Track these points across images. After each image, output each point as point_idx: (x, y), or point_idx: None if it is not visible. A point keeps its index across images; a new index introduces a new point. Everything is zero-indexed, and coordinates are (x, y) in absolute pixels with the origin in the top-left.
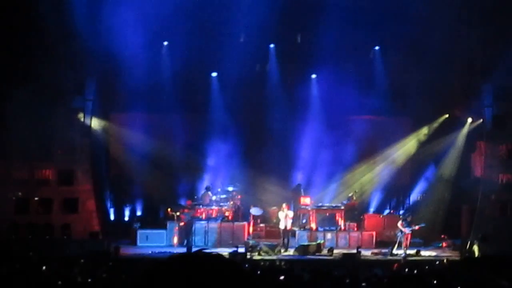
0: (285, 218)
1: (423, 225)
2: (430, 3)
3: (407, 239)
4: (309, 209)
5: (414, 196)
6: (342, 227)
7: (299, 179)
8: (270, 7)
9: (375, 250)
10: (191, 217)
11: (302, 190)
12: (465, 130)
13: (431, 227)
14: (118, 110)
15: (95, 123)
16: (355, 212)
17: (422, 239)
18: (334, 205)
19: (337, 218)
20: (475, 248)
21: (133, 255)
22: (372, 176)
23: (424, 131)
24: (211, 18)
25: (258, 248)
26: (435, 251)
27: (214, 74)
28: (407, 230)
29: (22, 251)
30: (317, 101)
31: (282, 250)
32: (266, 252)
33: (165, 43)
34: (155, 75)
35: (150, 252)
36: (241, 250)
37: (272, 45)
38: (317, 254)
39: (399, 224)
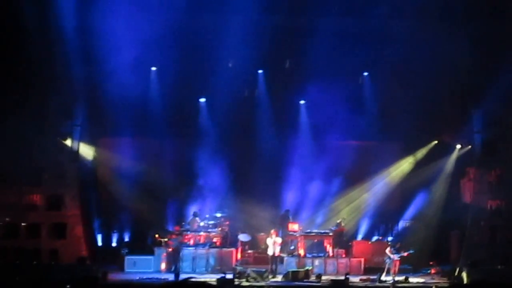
0: (273, 244)
1: (411, 251)
2: (420, 29)
3: (395, 265)
4: (298, 235)
5: (403, 222)
6: (331, 254)
7: (288, 205)
8: (259, 32)
9: (364, 277)
10: (179, 243)
11: (290, 216)
12: (454, 156)
13: (420, 254)
14: (106, 135)
15: (84, 148)
16: (344, 239)
17: (410, 266)
18: (322, 231)
19: (325, 244)
20: (464, 274)
21: (121, 281)
22: (360, 202)
23: (412, 158)
24: (200, 43)
25: (246, 275)
26: (424, 278)
27: (202, 100)
28: (395, 257)
29: (9, 275)
30: (306, 127)
31: (270, 277)
32: (254, 279)
33: (154, 68)
34: (143, 100)
35: (138, 278)
36: (229, 276)
37: (261, 71)
38: (305, 280)
39: (388, 250)
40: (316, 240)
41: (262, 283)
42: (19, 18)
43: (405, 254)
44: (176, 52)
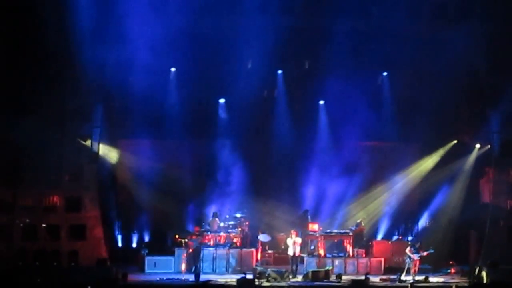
0: (293, 244)
1: (431, 251)
2: (438, 30)
3: (415, 265)
4: (317, 235)
5: (423, 222)
6: (351, 253)
7: (307, 205)
8: (278, 33)
9: (384, 277)
10: (199, 244)
11: (309, 216)
12: (473, 156)
13: (440, 253)
14: (125, 136)
15: (103, 150)
16: (364, 238)
17: (430, 265)
18: (342, 231)
19: (345, 244)
20: (484, 274)
21: (141, 281)
22: (380, 202)
23: (433, 157)
24: (219, 44)
25: (266, 275)
26: (444, 277)
27: (222, 100)
28: (415, 257)
29: (29, 277)
30: (325, 127)
31: (291, 277)
32: (275, 279)
33: (173, 69)
34: (162, 101)
35: (158, 278)
36: (249, 276)
37: (280, 71)
38: (325, 280)
39: (408, 250)
40: (336, 240)
41: (283, 283)
42: (39, 21)
43: (425, 253)
44: (196, 53)
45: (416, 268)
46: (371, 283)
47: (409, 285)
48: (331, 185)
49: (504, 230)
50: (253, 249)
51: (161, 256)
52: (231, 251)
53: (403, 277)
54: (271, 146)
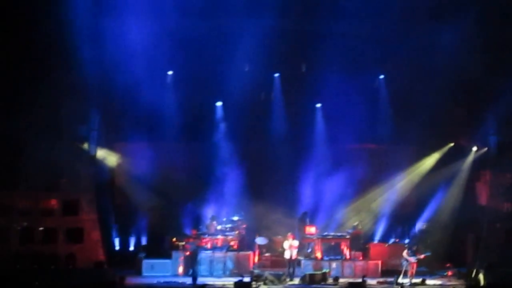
0: (290, 247)
1: (428, 253)
2: (434, 32)
3: (412, 268)
4: (314, 238)
5: (419, 224)
6: (348, 256)
7: (304, 208)
8: (274, 36)
9: (381, 279)
10: (196, 247)
11: (307, 219)
12: (470, 158)
13: (436, 256)
14: (122, 139)
15: (100, 153)
16: (361, 241)
17: (427, 268)
18: (339, 234)
19: (342, 247)
20: (481, 276)
21: (138, 284)
22: (377, 205)
23: (430, 160)
24: (216, 47)
25: (264, 278)
26: (441, 280)
27: (219, 103)
28: (412, 259)
29: (27, 281)
30: (322, 130)
31: (288, 280)
32: (272, 282)
33: (170, 72)
34: (159, 104)
35: (155, 281)
36: (247, 279)
37: (277, 74)
38: (322, 283)
39: (405, 253)
40: (333, 243)
41: (280, 286)
42: (36, 24)
43: (422, 256)
44: (193, 56)
45: (413, 271)
46: (368, 285)
47: (406, 287)
48: (328, 188)
49: (501, 232)
50: (250, 252)
51: (158, 259)
52: (228, 254)
53: (400, 280)
54: (268, 149)
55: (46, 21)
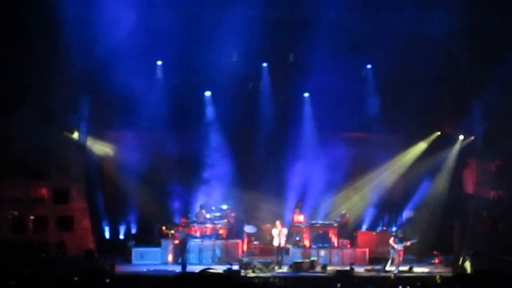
0: (278, 235)
1: (414, 240)
2: (421, 22)
3: (399, 255)
4: (303, 226)
5: (407, 212)
6: (336, 244)
7: (292, 197)
8: (262, 26)
9: (368, 267)
10: (186, 235)
11: (299, 207)
12: (457, 147)
13: (423, 244)
14: (112, 128)
15: (90, 142)
16: (348, 229)
17: (414, 256)
18: (327, 222)
19: (330, 235)
20: (467, 264)
21: (128, 273)
22: (364, 193)
23: (417, 148)
24: (205, 37)
25: (252, 266)
26: (428, 268)
27: (207, 93)
28: (399, 247)
29: (17, 269)
30: (310, 119)
31: (276, 267)
32: (260, 269)
33: (159, 62)
34: (149, 93)
35: (145, 270)
36: (235, 267)
37: (265, 64)
38: (310, 271)
39: (391, 240)
40: (321, 231)
41: (268, 274)
42: (22, 10)
43: (408, 243)
44: (182, 46)
45: (401, 259)
46: (356, 273)
47: (392, 275)
48: (316, 176)
49: (487, 220)
50: (239, 240)
51: (148, 248)
52: (217, 242)
53: (387, 268)
54: (256, 138)
55: (34, 8)
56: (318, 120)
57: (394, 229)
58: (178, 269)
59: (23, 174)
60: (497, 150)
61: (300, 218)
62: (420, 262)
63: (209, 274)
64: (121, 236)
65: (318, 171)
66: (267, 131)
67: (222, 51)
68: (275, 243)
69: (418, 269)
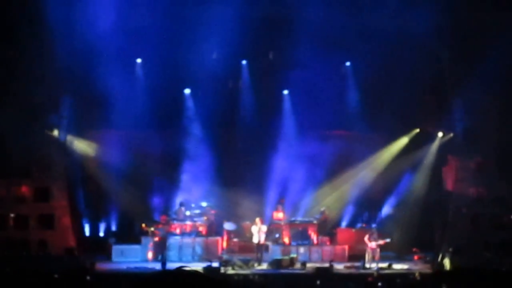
0: (258, 232)
1: (387, 240)
2: (401, 20)
3: (372, 252)
4: (282, 223)
5: (386, 209)
6: (315, 241)
7: (271, 194)
8: (242, 24)
9: (348, 264)
10: (166, 232)
11: (279, 205)
12: (436, 144)
13: (403, 241)
14: (93, 127)
15: (71, 140)
16: (328, 226)
17: (394, 253)
18: (306, 219)
19: (310, 232)
20: (447, 261)
21: (108, 270)
22: (344, 191)
23: (396, 146)
24: (184, 34)
25: (232, 263)
26: (407, 264)
27: (187, 91)
28: (373, 245)
29: None
30: (290, 117)
31: (256, 265)
32: (240, 267)
33: (139, 60)
34: (129, 91)
35: (125, 267)
36: (215, 264)
37: (244, 62)
38: (290, 268)
39: (366, 238)
40: (300, 228)
41: (248, 271)
42: (3, 10)
43: (382, 242)
44: (161, 44)
45: (377, 256)
46: (336, 270)
47: (375, 272)
48: (295, 174)
49: (467, 217)
50: (219, 238)
51: (128, 245)
52: (197, 239)
53: (367, 265)
54: (236, 136)
55: (15, 8)
56: (298, 118)
57: (373, 226)
58: (158, 266)
59: (4, 173)
60: (477, 148)
61: (279, 215)
62: (400, 259)
63: (185, 272)
64: (102, 234)
65: (298, 168)
66: (247, 128)
67: (202, 48)
68: (255, 240)
69: (398, 266)
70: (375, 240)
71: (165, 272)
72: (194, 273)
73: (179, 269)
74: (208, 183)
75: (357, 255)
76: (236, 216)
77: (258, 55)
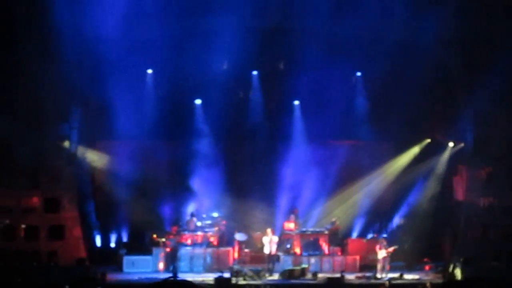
0: (269, 243)
1: (395, 246)
2: (411, 30)
3: (382, 262)
4: (293, 234)
5: (397, 220)
6: (326, 252)
7: (282, 205)
8: (252, 34)
9: (359, 274)
10: (177, 243)
11: (292, 214)
12: (447, 154)
13: (414, 251)
14: (103, 137)
15: (81, 151)
16: (339, 237)
17: (405, 262)
18: (318, 229)
19: (321, 242)
20: (458, 271)
21: (119, 281)
22: (355, 200)
23: (407, 156)
24: (195, 46)
25: (243, 273)
26: (418, 274)
27: (198, 101)
28: (382, 254)
29: (9, 278)
30: (300, 127)
31: (267, 275)
32: (251, 277)
33: (149, 71)
34: (140, 102)
35: (136, 278)
36: (226, 275)
37: (255, 72)
38: (301, 278)
39: (377, 248)
40: (311, 239)
41: (259, 282)
42: (13, 19)
43: (391, 249)
44: (172, 55)
45: (387, 266)
46: (347, 280)
47: (387, 282)
48: (306, 184)
49: (477, 227)
50: (230, 248)
51: (139, 256)
52: (208, 250)
53: (378, 275)
54: (247, 146)
55: (25, 17)
56: (309, 128)
57: (384, 236)
58: (169, 276)
59: (14, 183)
60: (487, 157)
61: (290, 225)
62: (410, 269)
63: (174, 282)
64: (113, 244)
65: (308, 178)
66: (257, 138)
67: (212, 59)
68: (266, 250)
69: (409, 276)
70: (385, 248)
71: (156, 284)
72: (184, 282)
73: (167, 280)
74: (218, 193)
75: (368, 265)
76: (247, 227)
77: (269, 65)
